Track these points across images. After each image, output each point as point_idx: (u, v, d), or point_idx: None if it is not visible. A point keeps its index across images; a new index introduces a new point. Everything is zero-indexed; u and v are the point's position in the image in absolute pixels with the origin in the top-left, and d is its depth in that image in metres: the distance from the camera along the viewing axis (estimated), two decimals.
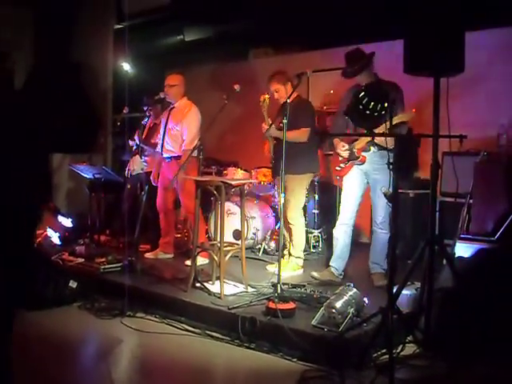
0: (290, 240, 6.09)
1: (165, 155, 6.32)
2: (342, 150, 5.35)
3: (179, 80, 6.41)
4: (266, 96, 5.92)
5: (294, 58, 7.94)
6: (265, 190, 7.21)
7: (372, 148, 5.22)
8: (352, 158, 5.31)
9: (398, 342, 4.15)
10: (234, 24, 7.67)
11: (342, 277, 5.48)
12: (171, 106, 6.43)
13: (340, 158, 5.40)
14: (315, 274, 5.47)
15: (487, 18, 5.98)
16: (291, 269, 5.95)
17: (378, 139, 5.05)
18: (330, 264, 5.50)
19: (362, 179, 5.35)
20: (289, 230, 6.03)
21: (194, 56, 8.45)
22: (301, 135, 5.75)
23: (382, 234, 5.29)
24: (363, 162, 5.27)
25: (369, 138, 5.13)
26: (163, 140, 6.35)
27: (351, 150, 5.31)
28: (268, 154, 6.18)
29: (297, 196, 5.94)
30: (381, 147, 5.11)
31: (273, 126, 5.64)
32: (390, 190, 3.97)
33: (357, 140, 5.28)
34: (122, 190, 6.79)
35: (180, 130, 6.23)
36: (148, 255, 6.43)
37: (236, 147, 8.36)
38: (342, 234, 5.43)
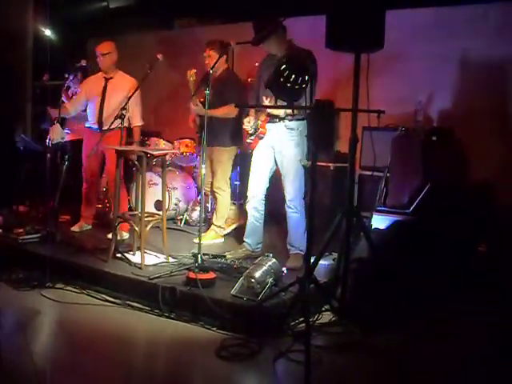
0: (215, 209, 6.18)
1: (105, 128, 6.06)
2: (246, 124, 5.28)
3: (112, 47, 6.18)
4: (194, 71, 5.87)
5: (218, 29, 7.89)
6: (187, 161, 7.20)
7: (279, 121, 5.10)
8: (256, 131, 5.25)
9: (314, 311, 4.28)
10: None
11: (259, 250, 5.42)
12: (108, 77, 6.21)
13: (247, 131, 5.34)
14: (229, 255, 5.34)
15: None
16: (211, 237, 6.04)
17: (276, 111, 5.04)
18: (244, 239, 5.46)
19: (270, 153, 5.23)
20: (215, 199, 6.14)
21: (118, 24, 8.27)
22: (229, 111, 5.75)
23: (292, 213, 5.16)
24: (263, 135, 5.19)
25: (269, 111, 5.10)
26: (101, 112, 6.13)
27: (256, 122, 5.24)
28: (193, 125, 6.22)
29: (224, 167, 6.01)
30: (290, 119, 5.06)
31: (200, 104, 5.68)
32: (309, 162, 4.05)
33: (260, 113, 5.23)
34: (41, 159, 6.63)
35: (122, 104, 6.00)
36: (74, 228, 6.31)
37: (159, 118, 8.28)
38: (251, 209, 5.37)
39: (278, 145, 5.16)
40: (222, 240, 6.13)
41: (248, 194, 5.41)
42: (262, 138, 5.23)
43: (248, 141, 5.41)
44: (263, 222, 5.45)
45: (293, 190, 5.13)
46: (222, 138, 5.88)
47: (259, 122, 5.21)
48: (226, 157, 6.00)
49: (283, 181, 5.19)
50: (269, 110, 5.12)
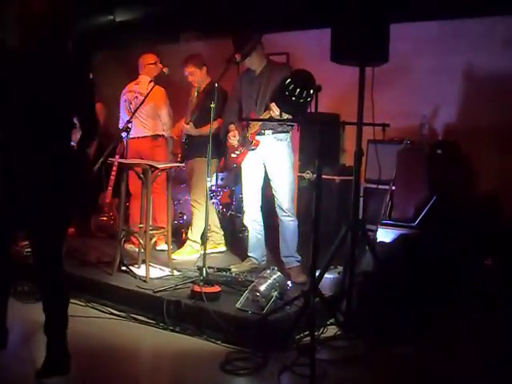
0: (190, 223, 6.08)
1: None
2: (232, 139, 5.23)
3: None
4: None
5: (225, 43, 7.90)
6: None
7: (267, 131, 5.12)
8: (246, 144, 5.20)
9: (320, 325, 4.25)
10: (165, 5, 7.57)
11: (264, 262, 5.41)
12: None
13: (233, 146, 5.28)
14: (234, 268, 5.33)
15: (414, 11, 6.12)
16: (187, 253, 5.93)
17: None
18: (248, 254, 5.45)
19: (260, 165, 5.23)
20: (192, 213, 6.06)
21: (123, 37, 8.29)
22: (219, 125, 5.63)
23: (290, 221, 5.14)
24: (257, 146, 5.15)
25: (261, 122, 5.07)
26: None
27: (244, 135, 5.19)
28: (178, 138, 6.25)
29: (203, 180, 5.57)
30: (279, 131, 5.09)
31: (191, 123, 5.80)
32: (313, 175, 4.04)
33: (249, 125, 5.19)
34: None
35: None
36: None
37: None
38: (250, 223, 5.39)
39: (269, 157, 5.16)
40: (198, 256, 5.74)
41: (245, 207, 5.43)
42: (253, 149, 5.18)
43: (233, 155, 5.31)
44: (264, 234, 5.46)
45: (288, 199, 5.13)
46: (204, 150, 5.24)
47: (249, 134, 5.16)
48: (205, 168, 5.27)
49: (277, 191, 5.16)
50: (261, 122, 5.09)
